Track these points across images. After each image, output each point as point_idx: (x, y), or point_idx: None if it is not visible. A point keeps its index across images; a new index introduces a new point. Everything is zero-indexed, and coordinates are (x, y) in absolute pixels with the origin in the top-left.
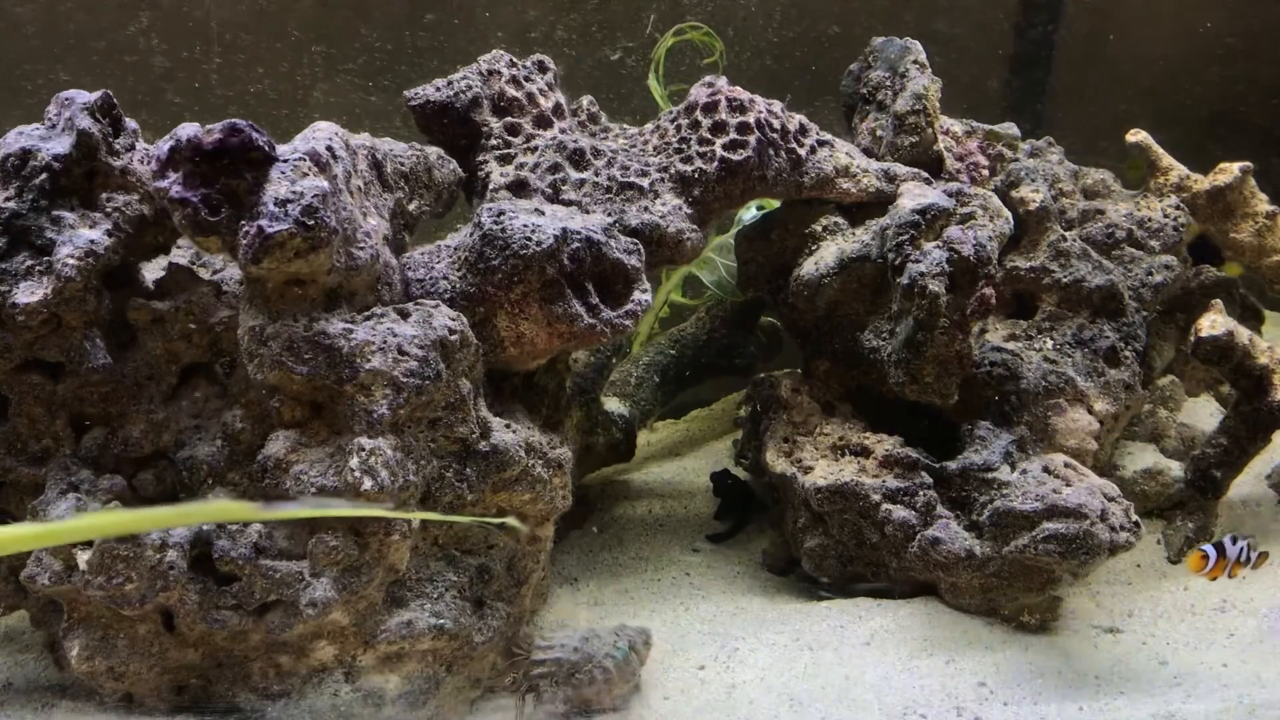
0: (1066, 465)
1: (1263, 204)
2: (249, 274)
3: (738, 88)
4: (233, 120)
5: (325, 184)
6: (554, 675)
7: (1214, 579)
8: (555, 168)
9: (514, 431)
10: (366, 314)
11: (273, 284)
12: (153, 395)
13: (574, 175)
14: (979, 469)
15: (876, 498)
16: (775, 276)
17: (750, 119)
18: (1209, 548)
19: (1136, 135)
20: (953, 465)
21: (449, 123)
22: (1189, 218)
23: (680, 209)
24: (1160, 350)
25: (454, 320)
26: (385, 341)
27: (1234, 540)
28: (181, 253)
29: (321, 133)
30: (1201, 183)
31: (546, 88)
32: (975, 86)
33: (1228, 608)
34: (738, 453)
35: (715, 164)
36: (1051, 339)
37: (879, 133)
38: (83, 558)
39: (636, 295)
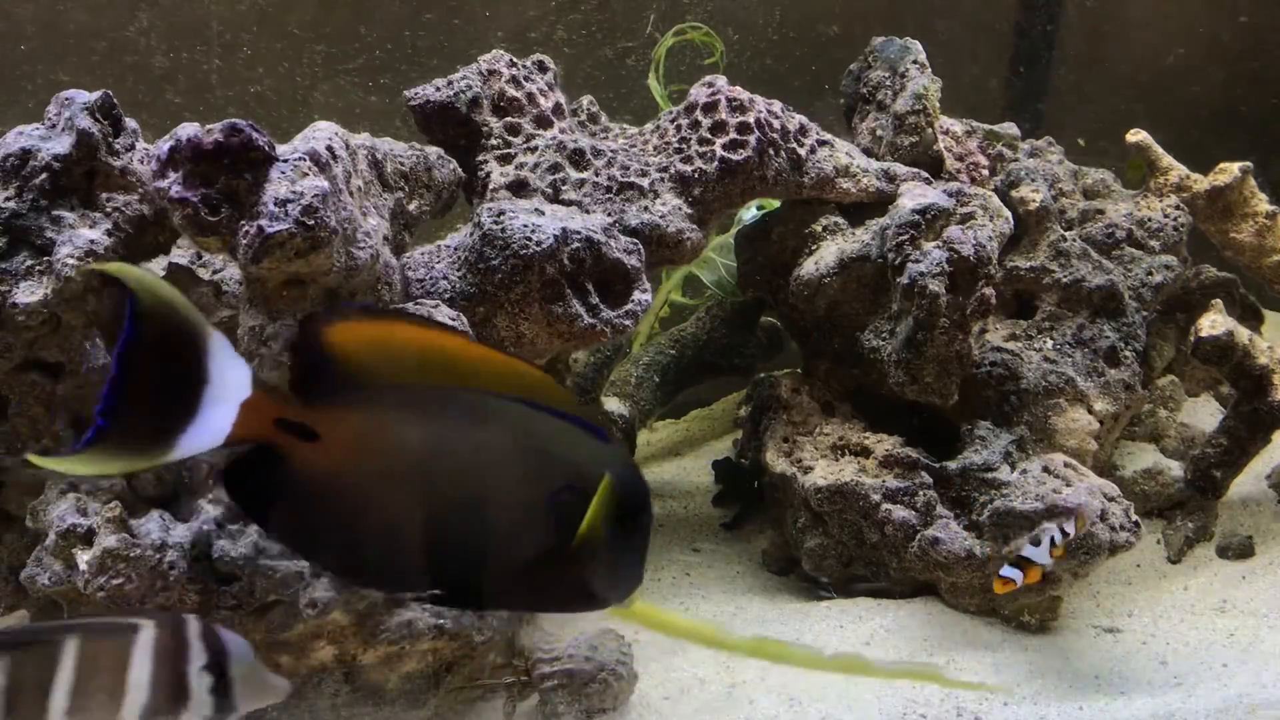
0: (1066, 465)
1: (1263, 204)
2: (249, 274)
3: (738, 87)
4: (233, 120)
5: (325, 184)
6: (568, 686)
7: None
8: (555, 168)
9: None
10: None
11: (272, 284)
12: None
13: (574, 175)
14: (979, 469)
15: (876, 498)
16: (775, 276)
17: (750, 119)
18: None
19: (1136, 135)
20: (953, 465)
21: (449, 123)
22: (1189, 218)
23: (680, 209)
24: (1160, 350)
25: (454, 320)
26: None
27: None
28: (181, 253)
29: (321, 133)
30: (1201, 183)
31: (546, 88)
32: (975, 86)
33: (1228, 608)
34: (738, 453)
35: (715, 164)
36: (1051, 339)
37: (879, 133)
38: (83, 558)
39: (636, 295)
